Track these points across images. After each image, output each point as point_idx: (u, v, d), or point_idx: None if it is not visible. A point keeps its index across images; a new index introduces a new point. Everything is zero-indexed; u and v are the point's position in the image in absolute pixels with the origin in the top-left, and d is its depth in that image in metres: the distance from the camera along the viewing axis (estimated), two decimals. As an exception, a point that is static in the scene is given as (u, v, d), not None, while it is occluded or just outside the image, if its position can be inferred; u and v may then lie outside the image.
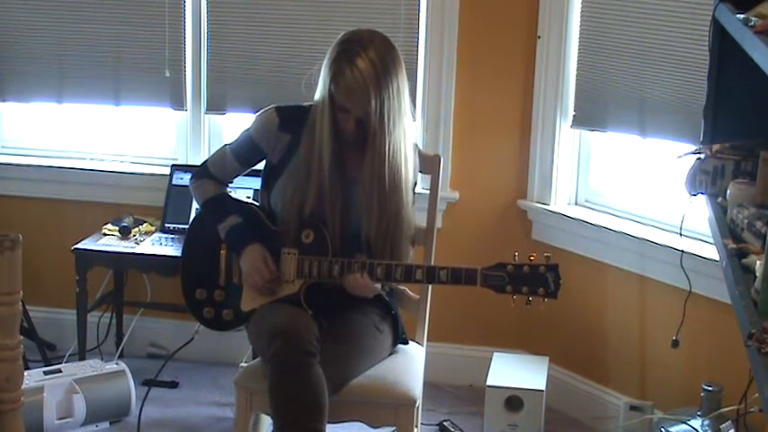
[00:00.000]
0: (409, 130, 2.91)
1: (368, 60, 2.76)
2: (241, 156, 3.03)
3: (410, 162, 2.93)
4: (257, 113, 3.02)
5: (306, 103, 2.95)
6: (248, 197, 3.62)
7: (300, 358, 2.70)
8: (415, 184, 3.04)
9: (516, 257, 2.82)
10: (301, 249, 2.91)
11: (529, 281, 2.79)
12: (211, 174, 3.07)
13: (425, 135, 3.96)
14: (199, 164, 3.27)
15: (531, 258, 2.81)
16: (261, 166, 3.05)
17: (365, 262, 2.84)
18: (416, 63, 3.90)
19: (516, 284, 2.79)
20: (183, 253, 3.12)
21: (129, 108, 4.23)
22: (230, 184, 3.11)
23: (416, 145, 3.05)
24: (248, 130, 3.02)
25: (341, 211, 2.91)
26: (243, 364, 3.56)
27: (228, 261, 3.00)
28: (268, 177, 3.01)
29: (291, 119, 2.94)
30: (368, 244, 2.90)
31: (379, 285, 2.90)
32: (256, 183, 3.20)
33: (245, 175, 3.13)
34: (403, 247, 2.93)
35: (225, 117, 4.16)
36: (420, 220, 3.14)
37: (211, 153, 3.31)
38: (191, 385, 4.02)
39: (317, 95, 2.88)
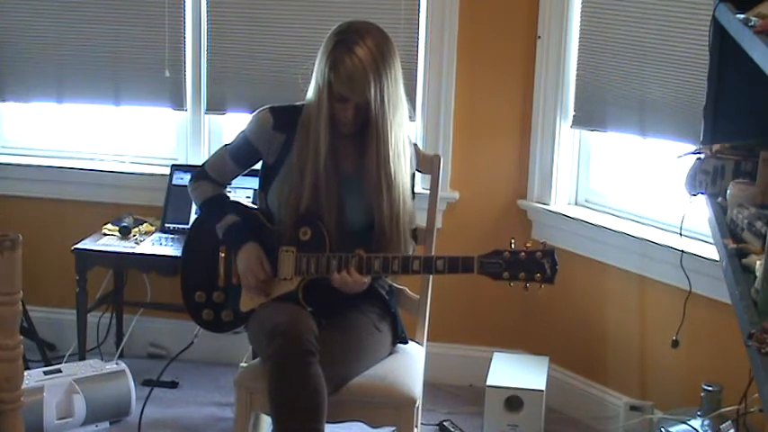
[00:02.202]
0: (405, 122, 2.92)
1: (366, 48, 2.77)
2: (238, 157, 3.03)
3: (407, 152, 2.93)
4: (252, 114, 3.02)
5: (299, 103, 2.95)
6: (248, 197, 3.62)
7: (300, 357, 2.70)
8: (413, 175, 3.04)
9: (513, 244, 2.81)
10: (299, 247, 2.90)
11: (526, 267, 2.77)
12: (209, 176, 3.07)
13: (425, 135, 3.96)
14: (199, 164, 3.28)
15: (528, 245, 2.81)
16: (258, 166, 3.05)
17: (362, 256, 2.84)
18: (416, 63, 3.90)
19: (513, 271, 2.77)
20: (182, 256, 3.12)
21: (129, 108, 4.23)
22: (229, 186, 3.12)
23: (410, 137, 3.03)
24: (244, 131, 3.02)
25: (337, 207, 2.90)
26: (243, 364, 3.56)
27: (227, 262, 3.00)
28: (265, 178, 3.01)
29: (286, 118, 2.94)
30: (379, 232, 2.88)
31: (368, 279, 2.88)
32: (256, 183, 3.20)
33: (244, 176, 3.13)
34: (408, 236, 2.93)
35: (225, 117, 4.16)
36: (420, 220, 3.14)
37: (211, 153, 3.31)
38: (191, 385, 4.02)
39: (311, 91, 2.88)
